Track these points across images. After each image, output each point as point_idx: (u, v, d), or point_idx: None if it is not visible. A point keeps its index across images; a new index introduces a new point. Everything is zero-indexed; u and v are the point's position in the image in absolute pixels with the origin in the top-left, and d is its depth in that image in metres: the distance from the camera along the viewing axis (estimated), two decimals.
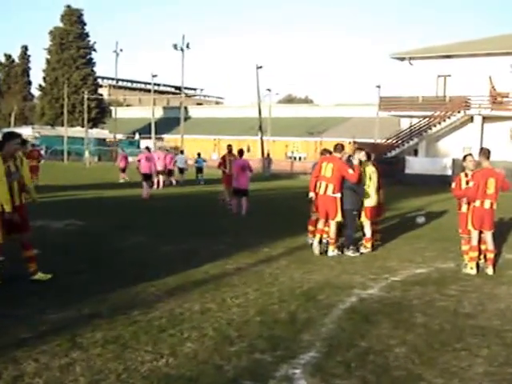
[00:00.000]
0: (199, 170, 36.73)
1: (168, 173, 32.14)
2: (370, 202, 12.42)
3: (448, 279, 9.90)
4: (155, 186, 28.99)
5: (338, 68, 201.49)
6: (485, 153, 10.71)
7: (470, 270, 10.39)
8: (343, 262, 11.13)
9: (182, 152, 39.52)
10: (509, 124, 43.98)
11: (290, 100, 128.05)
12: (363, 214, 12.33)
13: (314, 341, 6.54)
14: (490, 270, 10.40)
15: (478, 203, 10.41)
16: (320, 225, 12.11)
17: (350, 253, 11.81)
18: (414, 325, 7.29)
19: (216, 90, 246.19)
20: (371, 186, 12.40)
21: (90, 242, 12.59)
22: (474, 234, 10.52)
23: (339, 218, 11.79)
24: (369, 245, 12.34)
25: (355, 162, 12.05)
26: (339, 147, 12.28)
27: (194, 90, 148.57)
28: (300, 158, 74.79)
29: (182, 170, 36.06)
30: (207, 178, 36.29)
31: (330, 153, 12.64)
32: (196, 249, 12.05)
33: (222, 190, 21.50)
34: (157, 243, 12.63)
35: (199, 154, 38.98)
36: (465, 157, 11.35)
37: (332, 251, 11.82)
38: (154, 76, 71.85)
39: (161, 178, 30.57)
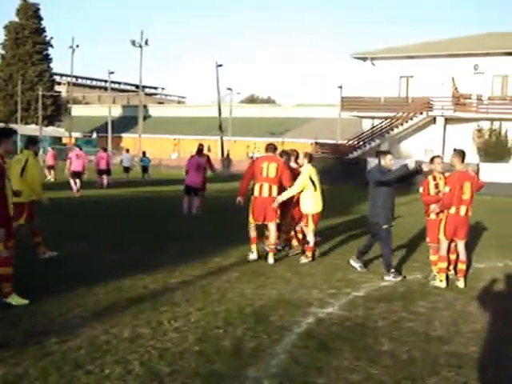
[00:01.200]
0: (144, 169, 35.75)
1: (103, 172, 30.67)
2: (315, 207, 11.33)
3: (415, 294, 8.91)
4: (103, 184, 28.89)
5: (301, 68, 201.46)
6: (459, 154, 9.75)
7: (440, 282, 9.43)
8: (300, 274, 10.07)
9: (127, 151, 38.43)
10: (471, 125, 43.56)
11: (252, 100, 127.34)
12: (306, 220, 11.32)
13: (262, 378, 5.46)
14: (461, 283, 9.46)
15: (453, 210, 9.47)
16: (252, 231, 11.27)
17: (390, 277, 9.81)
18: (379, 354, 6.25)
19: (178, 90, 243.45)
20: (315, 190, 11.25)
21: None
22: (444, 244, 9.58)
23: (277, 220, 11.15)
24: (310, 254, 11.24)
25: (293, 165, 11.60)
26: (272, 147, 11.39)
27: (156, 88, 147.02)
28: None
29: (127, 169, 35.09)
30: (164, 179, 35.07)
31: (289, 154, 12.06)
32: (138, 258, 10.87)
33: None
34: (94, 252, 11.40)
35: (144, 153, 37.99)
36: (432, 158, 10.41)
37: (272, 259, 10.96)
38: (111, 73, 70.26)
39: (105, 177, 29.59)
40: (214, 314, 7.51)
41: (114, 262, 10.37)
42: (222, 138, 55.10)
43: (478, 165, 38.32)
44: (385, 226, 9.90)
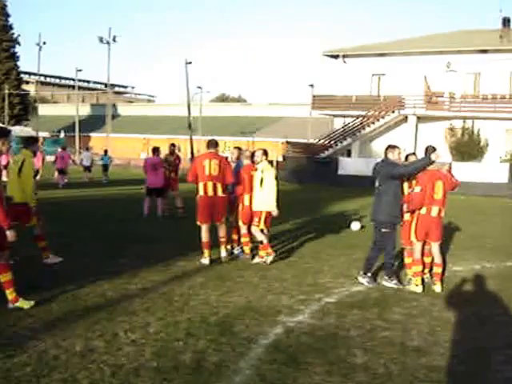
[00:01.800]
0: (104, 167, 35.09)
1: (60, 171, 30.10)
2: (267, 206, 10.74)
3: (390, 299, 8.43)
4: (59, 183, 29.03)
5: (272, 67, 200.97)
6: (429, 151, 9.28)
7: (415, 287, 8.97)
8: (269, 279, 9.53)
9: (87, 149, 37.65)
10: (443, 124, 43.36)
11: (223, 99, 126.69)
12: (258, 219, 10.78)
13: None
14: (437, 287, 9.00)
15: (424, 211, 9.01)
16: (205, 235, 10.72)
17: (364, 281, 9.29)
18: (353, 367, 5.75)
19: (148, 89, 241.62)
20: (267, 188, 10.67)
21: None
22: (417, 246, 9.12)
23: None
24: (264, 253, 10.73)
25: (246, 162, 11.26)
26: (213, 142, 10.98)
27: (125, 87, 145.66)
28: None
29: (87, 168, 34.43)
30: (132, 179, 34.31)
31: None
32: (98, 262, 10.25)
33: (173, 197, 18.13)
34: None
35: (106, 151, 37.28)
36: (407, 157, 9.94)
37: (225, 252, 10.78)
38: (79, 71, 69.33)
39: (61, 177, 29.70)
40: (174, 324, 6.96)
41: (71, 268, 9.74)
42: (191, 138, 54.35)
43: (450, 164, 38.22)
44: (384, 230, 9.17)
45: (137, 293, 8.32)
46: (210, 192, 10.59)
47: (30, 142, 10.08)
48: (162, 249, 11.78)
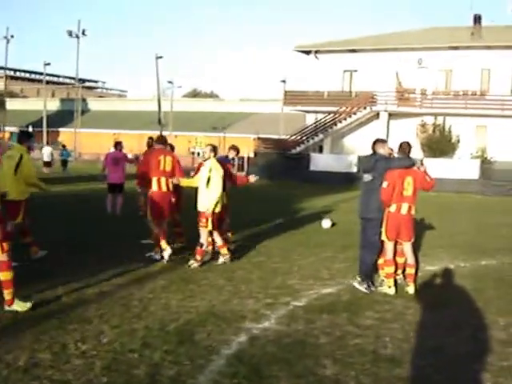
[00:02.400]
0: (64, 162, 34.37)
1: None
2: (203, 207, 10.08)
3: (362, 302, 8.01)
4: None
5: (245, 62, 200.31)
6: (404, 148, 8.87)
7: (388, 289, 8.56)
8: (235, 281, 9.05)
9: (47, 144, 36.91)
10: (415, 120, 43.20)
11: (195, 95, 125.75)
12: (205, 220, 10.09)
13: None
14: (411, 289, 8.61)
15: (393, 208, 8.58)
16: (158, 229, 10.51)
17: (362, 288, 8.64)
18: (321, 381, 5.31)
19: (119, 83, 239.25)
20: (212, 186, 10.03)
21: None
22: (389, 246, 8.69)
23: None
24: (225, 250, 10.25)
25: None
26: (164, 139, 11.09)
27: (96, 82, 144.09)
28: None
29: (47, 164, 33.59)
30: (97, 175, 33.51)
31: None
32: (55, 264, 9.65)
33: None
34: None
35: (64, 146, 36.61)
36: (391, 151, 9.50)
37: (155, 254, 10.44)
38: (47, 64, 68.16)
39: None
40: (130, 332, 6.45)
41: (25, 270, 9.12)
42: (161, 133, 53.55)
43: (421, 160, 38.06)
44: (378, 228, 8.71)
45: (93, 298, 7.79)
46: (164, 187, 10.51)
47: (24, 138, 9.88)
48: (124, 249, 11.23)
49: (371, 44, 45.65)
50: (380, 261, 9.04)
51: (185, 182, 10.61)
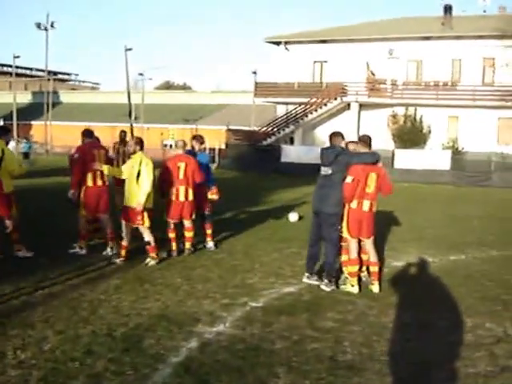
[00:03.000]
0: (25, 155, 33.66)
1: None
2: (132, 201, 9.47)
3: (324, 302, 7.62)
4: None
5: (218, 54, 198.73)
6: (364, 141, 8.45)
7: (351, 287, 8.19)
8: (192, 280, 8.62)
9: (17, 137, 36.19)
10: (386, 111, 43.02)
11: (168, 87, 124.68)
12: (140, 218, 9.46)
13: None
14: (375, 288, 8.25)
15: (354, 204, 8.18)
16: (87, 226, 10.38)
17: (330, 288, 8.23)
18: None
19: (92, 76, 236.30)
20: (142, 181, 9.35)
21: None
22: (352, 244, 8.29)
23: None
24: (154, 254, 9.57)
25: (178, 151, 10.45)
26: (90, 132, 10.59)
27: (69, 75, 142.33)
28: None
29: None
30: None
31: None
32: (4, 263, 9.11)
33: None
34: None
35: (26, 139, 35.86)
36: (346, 145, 9.05)
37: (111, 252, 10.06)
38: (16, 57, 66.76)
39: None
40: (75, 338, 6.01)
41: None
42: (131, 125, 52.76)
43: (393, 151, 37.95)
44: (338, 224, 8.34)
45: (41, 300, 7.33)
46: (99, 182, 10.18)
47: (2, 132, 9.76)
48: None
49: (342, 35, 45.33)
50: (344, 257, 8.68)
51: (108, 170, 9.89)
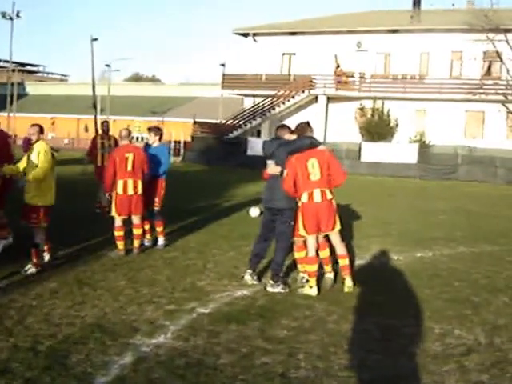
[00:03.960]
0: None
1: None
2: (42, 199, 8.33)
3: (279, 308, 6.94)
4: None
5: (187, 46, 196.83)
6: (300, 129, 7.76)
7: (310, 289, 7.53)
8: (138, 282, 7.89)
9: None
10: (354, 104, 42.55)
11: (136, 79, 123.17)
12: (35, 216, 8.28)
13: None
14: (348, 282, 7.62)
15: (305, 198, 7.44)
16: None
17: (278, 289, 7.65)
18: None
19: (61, 68, 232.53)
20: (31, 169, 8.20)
21: None
22: (310, 241, 7.60)
23: None
24: (37, 260, 8.25)
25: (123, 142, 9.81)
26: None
27: (37, 66, 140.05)
28: (142, 138, 71.32)
29: None
30: None
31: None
32: None
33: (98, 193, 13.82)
34: None
35: None
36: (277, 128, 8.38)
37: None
38: None
39: None
40: None
41: None
42: (95, 117, 51.70)
43: (360, 144, 37.52)
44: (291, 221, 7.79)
45: None
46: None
47: None
48: (20, 245, 9.86)
49: (310, 27, 44.80)
50: (298, 255, 8.02)
51: (8, 169, 8.47)
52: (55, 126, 77.27)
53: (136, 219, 9.60)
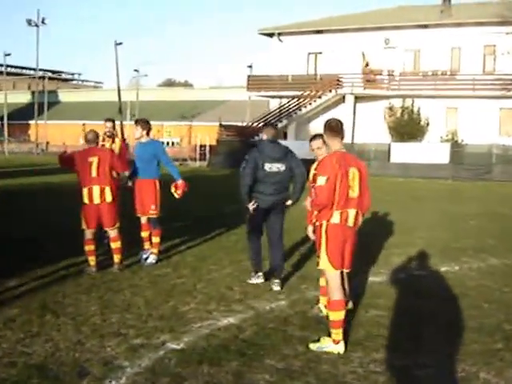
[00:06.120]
0: None
1: None
2: None
3: (267, 341, 5.71)
4: None
5: (217, 49, 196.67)
6: (332, 127, 5.82)
7: (335, 345, 5.46)
8: (110, 308, 6.76)
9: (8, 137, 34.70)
10: (383, 103, 41.12)
11: (169, 84, 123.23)
12: None
13: None
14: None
15: (336, 217, 5.53)
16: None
17: (275, 287, 7.69)
18: None
19: (96, 75, 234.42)
20: None
21: None
22: (335, 279, 5.60)
23: None
24: None
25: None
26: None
27: (72, 74, 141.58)
28: (173, 143, 71.14)
29: None
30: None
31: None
32: None
33: None
34: None
35: None
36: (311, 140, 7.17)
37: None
38: (7, 55, 65.67)
39: None
40: None
41: None
42: (121, 122, 51.34)
43: (389, 144, 36.12)
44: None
45: None
46: None
47: None
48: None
49: (336, 25, 43.55)
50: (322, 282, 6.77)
51: None
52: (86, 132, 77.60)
53: (111, 232, 8.52)
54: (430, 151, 34.34)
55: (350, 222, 5.59)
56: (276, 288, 7.59)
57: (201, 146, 48.24)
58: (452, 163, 33.58)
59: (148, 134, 9.10)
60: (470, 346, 5.62)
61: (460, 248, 10.80)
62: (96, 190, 8.27)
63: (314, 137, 7.11)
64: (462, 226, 13.76)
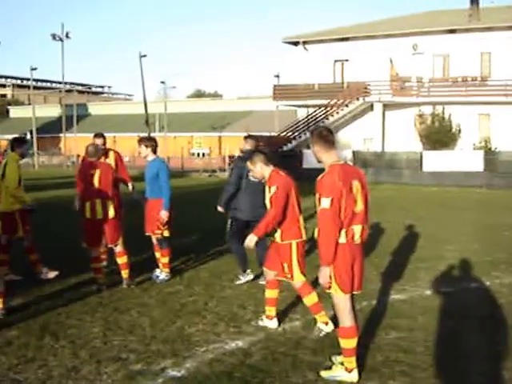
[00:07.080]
0: None
1: None
2: None
3: (273, 367, 5.27)
4: None
5: (244, 59, 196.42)
6: (325, 137, 5.20)
7: (347, 374, 5.03)
8: (114, 329, 6.37)
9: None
10: (412, 111, 40.28)
11: (199, 95, 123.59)
12: None
13: None
14: None
15: (342, 237, 4.98)
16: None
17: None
18: None
19: (126, 88, 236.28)
20: None
21: None
22: (344, 304, 5.07)
23: None
24: None
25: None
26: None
27: (102, 87, 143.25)
28: (204, 154, 71.02)
29: None
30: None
31: None
32: None
33: None
34: None
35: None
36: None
37: None
38: (34, 69, 66.13)
39: None
40: None
41: None
42: (149, 134, 51.32)
43: (421, 153, 35.36)
44: None
45: None
46: None
47: (16, 144, 8.53)
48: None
49: (363, 31, 42.84)
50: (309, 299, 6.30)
51: None
52: (117, 144, 77.79)
53: (117, 247, 8.15)
54: (463, 159, 33.45)
55: (357, 239, 5.06)
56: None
57: (230, 157, 48.04)
58: (486, 171, 32.67)
59: (154, 151, 8.67)
60: (502, 373, 5.09)
61: (491, 262, 10.17)
62: (98, 203, 7.91)
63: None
64: (495, 238, 13.09)
